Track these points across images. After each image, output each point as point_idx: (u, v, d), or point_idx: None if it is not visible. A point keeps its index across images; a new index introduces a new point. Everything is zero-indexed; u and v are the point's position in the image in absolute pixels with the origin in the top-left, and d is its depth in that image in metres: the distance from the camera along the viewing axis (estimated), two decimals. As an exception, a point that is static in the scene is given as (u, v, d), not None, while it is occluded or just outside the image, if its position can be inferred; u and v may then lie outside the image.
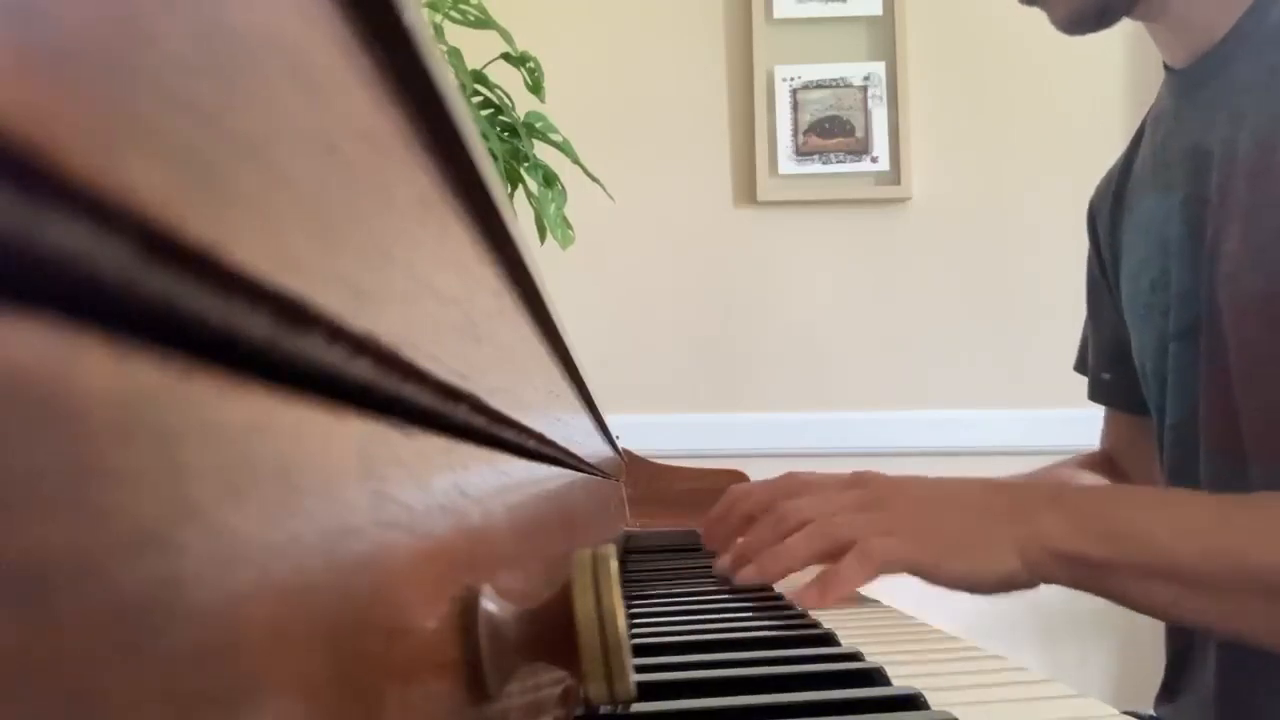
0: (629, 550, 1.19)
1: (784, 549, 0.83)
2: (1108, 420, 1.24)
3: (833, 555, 0.81)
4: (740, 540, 0.90)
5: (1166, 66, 1.03)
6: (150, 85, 0.13)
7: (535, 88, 1.49)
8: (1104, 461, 1.23)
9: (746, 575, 0.85)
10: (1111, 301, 1.14)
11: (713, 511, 1.03)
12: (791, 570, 0.83)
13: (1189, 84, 0.98)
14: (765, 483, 1.03)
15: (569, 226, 1.47)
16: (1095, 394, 1.22)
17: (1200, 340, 0.94)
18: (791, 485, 0.98)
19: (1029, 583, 0.81)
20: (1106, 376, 1.18)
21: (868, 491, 0.86)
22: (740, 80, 2.15)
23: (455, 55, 1.37)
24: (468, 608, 0.27)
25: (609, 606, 0.28)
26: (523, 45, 1.48)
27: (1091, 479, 1.19)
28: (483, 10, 1.43)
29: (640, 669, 0.50)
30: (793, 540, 0.83)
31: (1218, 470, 0.93)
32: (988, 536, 0.80)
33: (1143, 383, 1.07)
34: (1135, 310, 1.06)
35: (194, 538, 0.13)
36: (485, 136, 1.34)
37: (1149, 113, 1.09)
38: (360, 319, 0.19)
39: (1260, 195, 0.88)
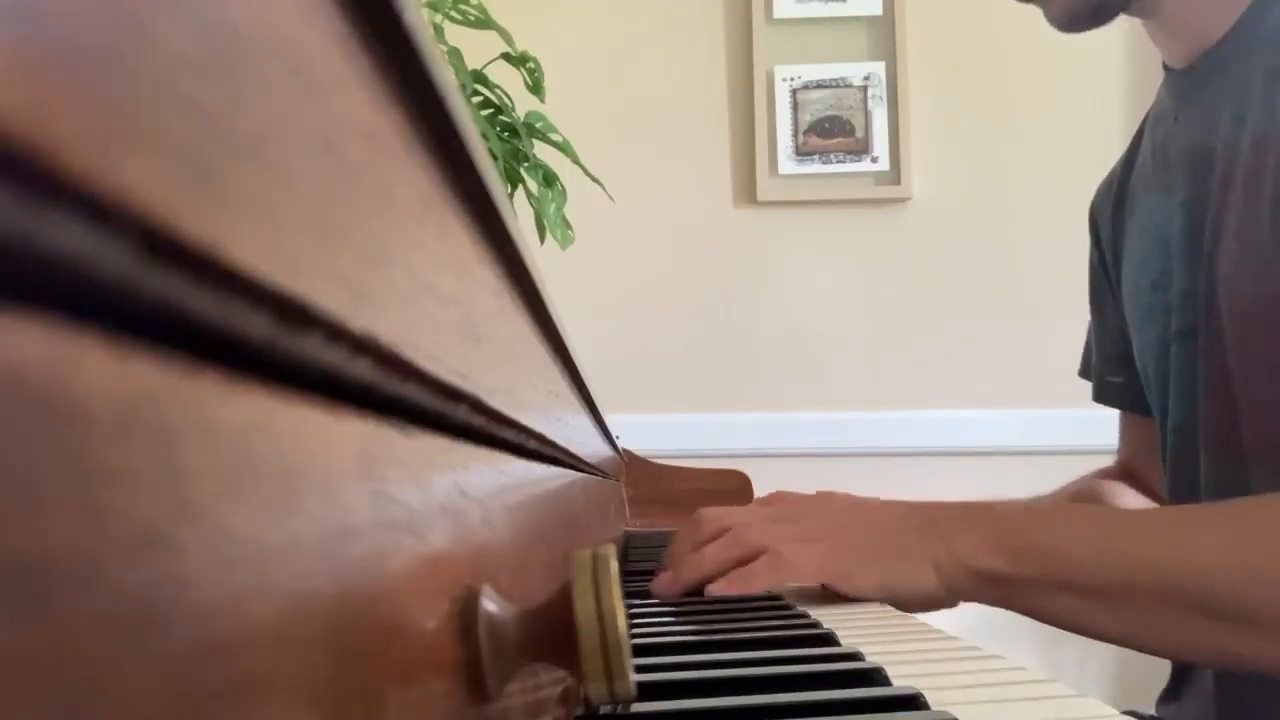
0: (629, 550, 1.19)
1: (699, 556, 0.84)
2: (1123, 427, 1.22)
3: (745, 563, 0.82)
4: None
5: (1166, 66, 1.03)
6: (150, 85, 0.13)
7: (535, 88, 1.49)
8: (1121, 473, 1.21)
9: (661, 583, 0.85)
10: (1114, 303, 1.14)
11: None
12: (705, 577, 0.83)
13: (1189, 84, 0.98)
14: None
15: (569, 226, 1.47)
16: (1102, 396, 1.20)
17: (1200, 341, 0.94)
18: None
19: (947, 601, 0.82)
20: (1118, 380, 1.17)
21: (786, 507, 0.87)
22: (740, 80, 2.15)
23: (455, 55, 1.37)
24: (468, 608, 0.27)
25: (609, 606, 0.28)
26: (523, 45, 1.48)
27: (1121, 492, 1.18)
28: (483, 10, 1.43)
29: (640, 669, 0.50)
30: (709, 548, 0.84)
31: (1218, 472, 0.93)
32: (903, 551, 0.80)
33: (1144, 384, 1.07)
34: (1136, 311, 1.06)
35: (194, 538, 0.13)
36: (485, 136, 1.34)
37: (1148, 112, 1.09)
38: (360, 319, 0.19)
39: (1257, 195, 0.88)
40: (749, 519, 0.86)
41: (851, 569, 0.80)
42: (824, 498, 0.89)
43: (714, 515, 0.88)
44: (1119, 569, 0.77)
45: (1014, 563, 0.79)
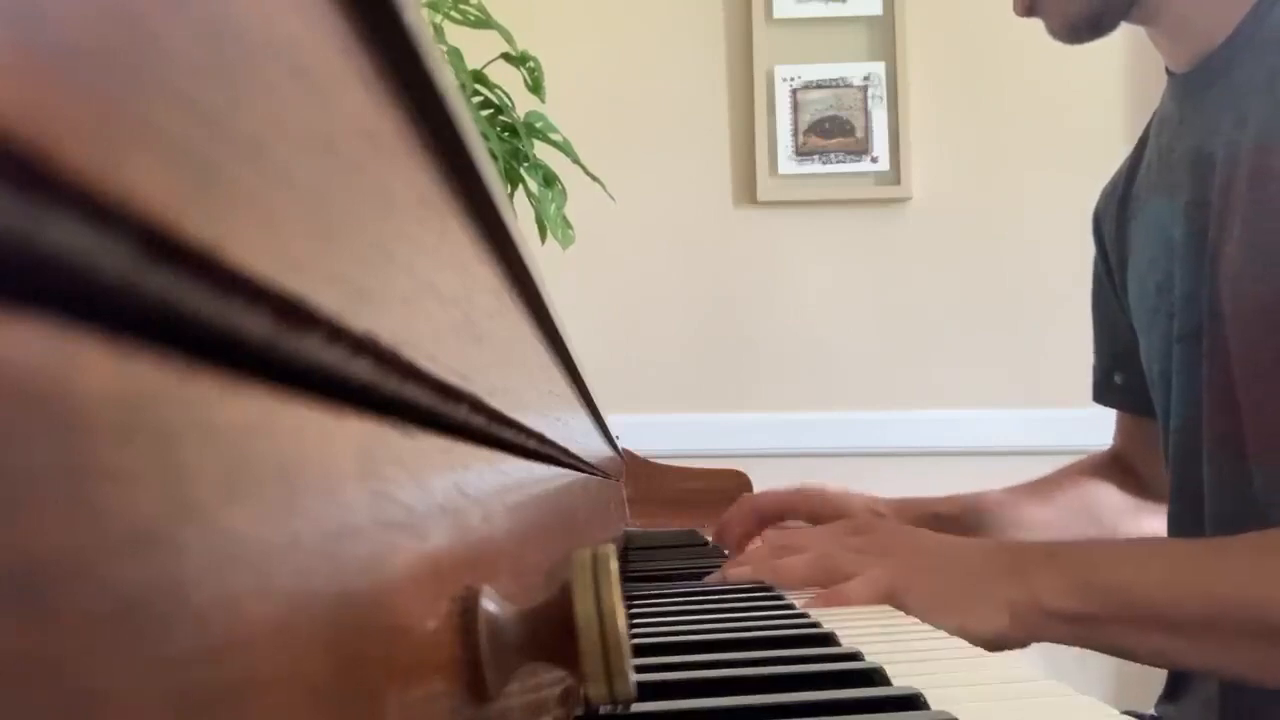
0: (629, 550, 1.19)
1: (781, 565, 0.87)
2: (1119, 421, 1.25)
3: (824, 586, 0.84)
4: (748, 548, 0.94)
5: (1168, 71, 1.03)
6: (151, 85, 0.13)
7: (535, 88, 1.49)
8: (1113, 462, 1.24)
9: (740, 572, 0.89)
10: (1119, 305, 1.15)
11: (726, 514, 1.10)
12: (782, 588, 0.85)
13: (1191, 88, 0.98)
14: (779, 491, 1.10)
15: (569, 226, 1.47)
16: (1101, 396, 1.23)
17: (1203, 343, 0.94)
18: (803, 500, 1.05)
19: (1021, 641, 0.83)
20: (1117, 380, 1.19)
21: (873, 539, 0.89)
22: (740, 80, 2.15)
23: (455, 55, 1.37)
24: (468, 608, 0.27)
25: (609, 606, 0.28)
26: (523, 45, 1.48)
27: (1097, 487, 1.19)
28: (483, 10, 1.43)
29: (640, 669, 0.50)
30: (792, 560, 0.86)
31: (1220, 473, 0.93)
32: (979, 596, 0.81)
33: (1150, 386, 1.07)
34: (1142, 313, 1.06)
35: (194, 538, 0.13)
36: (485, 136, 1.34)
37: (1153, 116, 1.10)
38: (360, 319, 0.19)
39: (1261, 198, 0.88)
40: (836, 545, 0.88)
41: (925, 613, 0.80)
42: (910, 534, 0.91)
43: (805, 535, 0.92)
44: (1197, 602, 0.78)
45: (1092, 602, 0.80)
